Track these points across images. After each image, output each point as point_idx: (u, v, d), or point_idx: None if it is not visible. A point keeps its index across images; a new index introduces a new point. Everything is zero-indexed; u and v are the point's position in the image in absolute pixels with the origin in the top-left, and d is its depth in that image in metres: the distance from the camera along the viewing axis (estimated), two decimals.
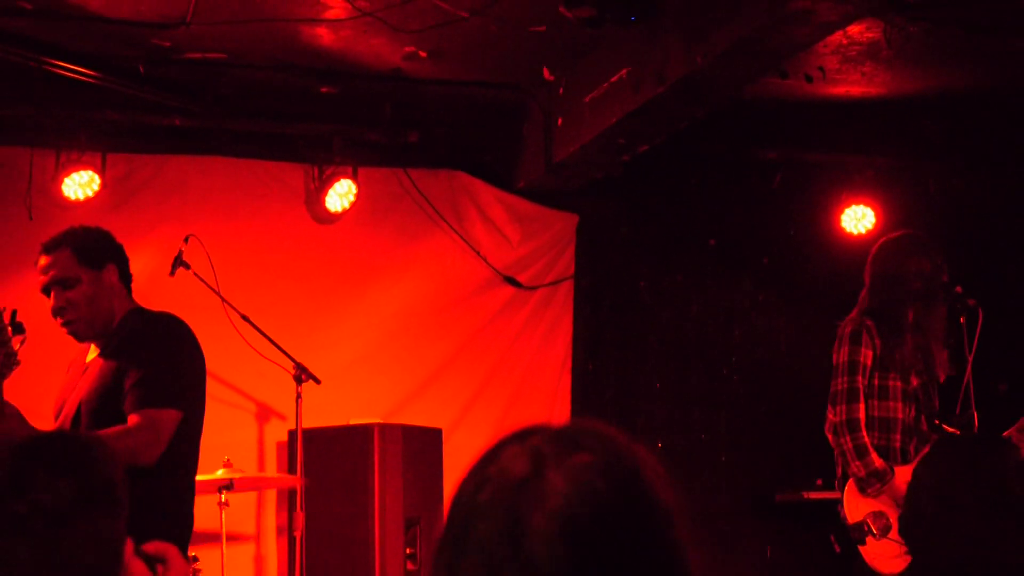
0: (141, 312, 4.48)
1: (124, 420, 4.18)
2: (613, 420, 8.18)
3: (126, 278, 4.52)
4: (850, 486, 5.27)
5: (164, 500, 4.26)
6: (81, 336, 4.44)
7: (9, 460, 2.01)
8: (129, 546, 2.11)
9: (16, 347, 4.04)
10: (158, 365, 4.25)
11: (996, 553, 2.57)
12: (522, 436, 1.40)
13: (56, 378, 4.59)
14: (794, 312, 7.80)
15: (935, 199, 7.87)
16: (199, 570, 5.68)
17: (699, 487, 7.55)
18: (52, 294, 4.38)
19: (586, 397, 7.56)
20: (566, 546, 1.29)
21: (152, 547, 2.28)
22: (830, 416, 5.35)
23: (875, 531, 5.16)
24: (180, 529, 4.31)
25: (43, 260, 4.38)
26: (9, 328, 4.03)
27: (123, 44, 6.10)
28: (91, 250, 4.41)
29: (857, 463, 5.22)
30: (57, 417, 4.40)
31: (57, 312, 4.37)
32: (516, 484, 1.33)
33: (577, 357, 7.58)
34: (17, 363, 4.03)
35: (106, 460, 2.04)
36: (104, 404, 4.25)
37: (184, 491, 4.39)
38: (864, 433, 5.25)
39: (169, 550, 2.33)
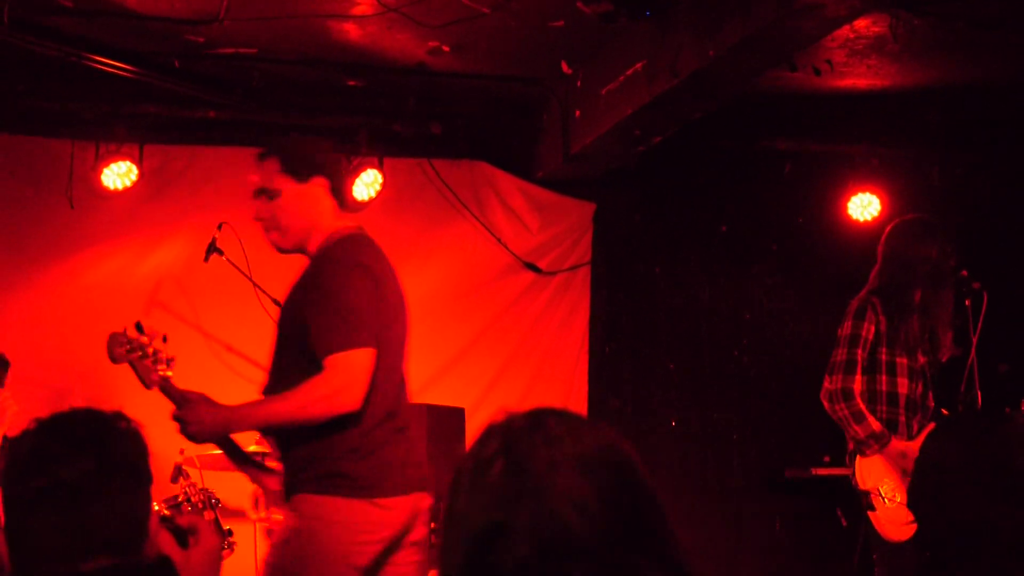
0: (333, 237, 4.09)
1: (306, 356, 3.85)
2: (629, 400, 8.11)
3: (337, 193, 4.15)
4: (861, 457, 5.23)
5: (348, 438, 3.88)
6: (279, 247, 4.11)
7: (31, 437, 1.97)
8: (155, 519, 2.07)
9: (160, 347, 3.82)
10: (338, 305, 3.86)
11: (999, 526, 2.51)
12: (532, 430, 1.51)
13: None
14: (802, 296, 7.74)
15: (938, 187, 7.80)
16: (233, 543, 5.66)
17: (712, 464, 7.53)
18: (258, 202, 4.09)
19: (603, 378, 7.52)
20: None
21: (185, 520, 2.24)
22: (826, 384, 5.36)
23: (885, 499, 5.12)
24: (367, 471, 3.88)
25: (255, 167, 4.04)
26: (141, 336, 3.82)
27: (159, 40, 6.08)
28: (297, 161, 4.04)
29: (855, 427, 5.23)
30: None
31: (258, 220, 4.07)
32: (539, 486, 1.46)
33: (594, 339, 7.54)
34: (171, 358, 3.82)
35: (127, 435, 2.00)
36: (287, 339, 3.99)
37: (373, 427, 3.98)
38: (859, 401, 5.25)
39: (199, 522, 2.28)
